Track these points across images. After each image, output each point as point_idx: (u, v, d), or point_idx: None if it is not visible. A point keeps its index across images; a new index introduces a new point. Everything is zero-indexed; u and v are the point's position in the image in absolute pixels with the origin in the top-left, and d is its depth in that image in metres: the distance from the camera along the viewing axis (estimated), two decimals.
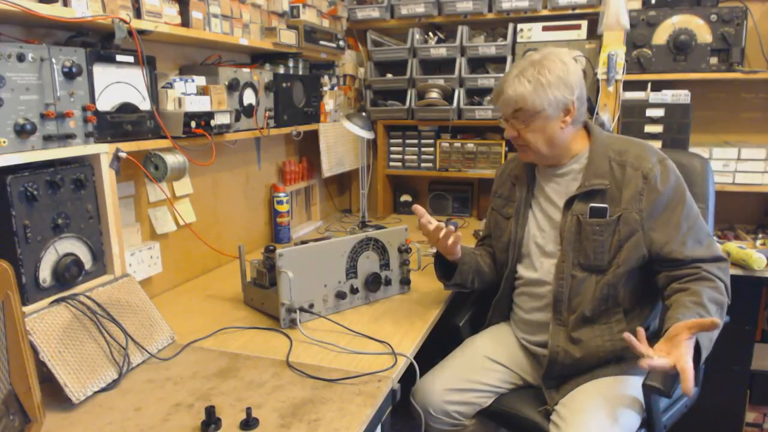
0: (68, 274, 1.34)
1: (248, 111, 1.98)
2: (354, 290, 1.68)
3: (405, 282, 1.82)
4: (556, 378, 1.52)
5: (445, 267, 1.69)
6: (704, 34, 2.25)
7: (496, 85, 1.54)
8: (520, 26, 2.57)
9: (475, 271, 1.68)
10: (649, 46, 2.31)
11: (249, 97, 1.98)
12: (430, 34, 2.81)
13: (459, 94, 2.65)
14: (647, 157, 1.46)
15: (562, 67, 1.45)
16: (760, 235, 2.34)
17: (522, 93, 1.44)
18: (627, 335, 1.24)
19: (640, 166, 1.44)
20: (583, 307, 1.47)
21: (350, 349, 1.42)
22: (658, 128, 2.27)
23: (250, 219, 2.34)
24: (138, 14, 1.50)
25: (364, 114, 2.51)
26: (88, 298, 1.33)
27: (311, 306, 1.59)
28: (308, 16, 2.33)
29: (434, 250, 2.27)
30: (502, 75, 1.56)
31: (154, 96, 1.58)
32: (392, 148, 2.95)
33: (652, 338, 1.52)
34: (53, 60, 1.28)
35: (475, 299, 1.87)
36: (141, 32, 1.50)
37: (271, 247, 1.66)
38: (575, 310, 1.48)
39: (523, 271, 1.63)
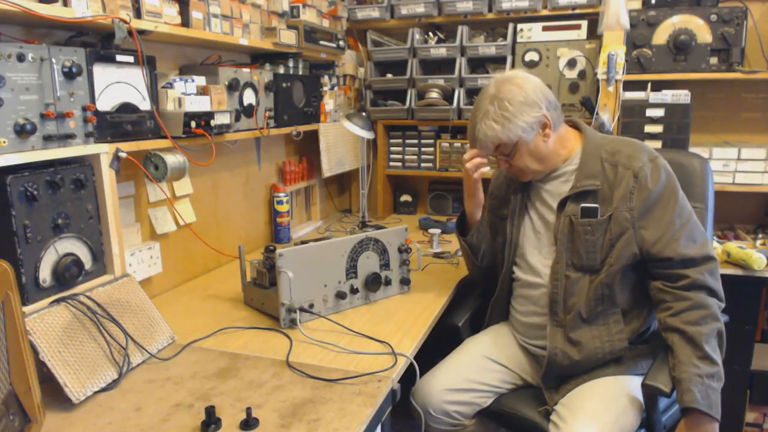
0: (68, 274, 1.34)
1: (248, 111, 1.98)
2: (354, 290, 1.68)
3: (405, 282, 1.81)
4: (555, 378, 1.52)
5: (464, 226, 1.76)
6: (704, 34, 2.25)
7: (468, 128, 1.57)
8: (520, 26, 2.57)
9: (487, 242, 1.72)
10: (649, 46, 2.31)
11: (249, 97, 1.98)
12: (430, 34, 2.81)
13: (459, 94, 2.65)
14: (638, 156, 1.46)
15: (518, 92, 1.45)
16: (760, 235, 2.34)
17: (494, 135, 1.47)
18: None
19: (631, 165, 1.45)
20: (579, 307, 1.47)
21: (350, 349, 1.42)
22: (658, 128, 2.27)
23: (250, 219, 2.34)
24: (138, 14, 1.50)
25: (364, 114, 2.51)
26: (88, 298, 1.33)
27: (311, 306, 1.59)
28: (308, 16, 2.33)
29: (434, 251, 2.28)
30: None
31: (154, 96, 1.58)
32: (392, 148, 2.95)
33: (651, 340, 1.53)
34: (53, 60, 1.28)
35: (474, 299, 1.87)
36: (141, 32, 1.50)
37: (271, 247, 1.67)
38: (570, 310, 1.48)
39: (519, 273, 1.63)
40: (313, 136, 2.55)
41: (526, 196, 1.63)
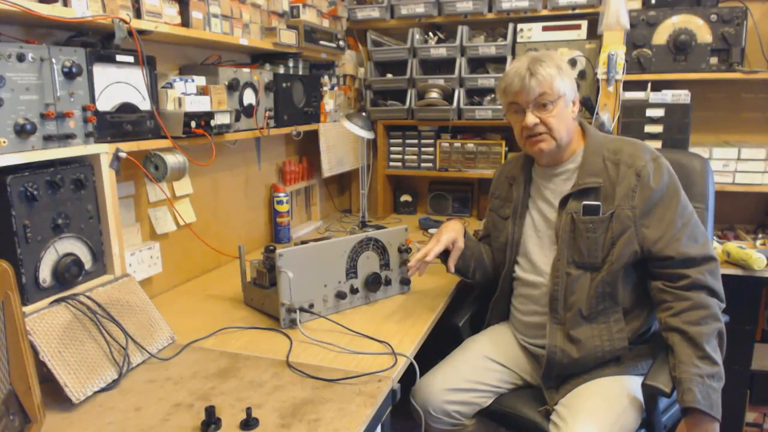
0: (68, 274, 1.34)
1: (248, 111, 1.98)
2: (354, 290, 1.68)
3: (405, 282, 1.81)
4: (555, 378, 1.52)
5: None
6: (704, 34, 2.25)
7: (502, 79, 1.55)
8: (520, 26, 2.57)
9: (477, 260, 1.72)
10: (649, 46, 2.31)
11: (249, 97, 1.98)
12: (430, 34, 2.81)
13: (459, 94, 2.64)
14: (641, 155, 1.46)
15: (562, 61, 1.51)
16: (760, 235, 2.34)
17: (551, 75, 1.45)
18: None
19: (634, 163, 1.45)
20: (579, 304, 1.47)
21: (350, 349, 1.42)
22: (658, 128, 2.26)
23: (250, 219, 2.34)
24: (138, 14, 1.50)
25: (364, 114, 2.51)
26: (88, 298, 1.33)
27: (311, 306, 1.59)
28: (308, 16, 2.33)
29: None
30: (502, 75, 1.57)
31: (154, 96, 1.58)
32: (392, 148, 2.94)
33: (651, 340, 1.53)
34: (53, 60, 1.28)
35: (475, 299, 1.87)
36: (141, 32, 1.50)
37: (271, 247, 1.66)
38: (571, 307, 1.48)
39: (520, 272, 1.63)
40: (313, 136, 2.55)
41: (527, 195, 1.64)
